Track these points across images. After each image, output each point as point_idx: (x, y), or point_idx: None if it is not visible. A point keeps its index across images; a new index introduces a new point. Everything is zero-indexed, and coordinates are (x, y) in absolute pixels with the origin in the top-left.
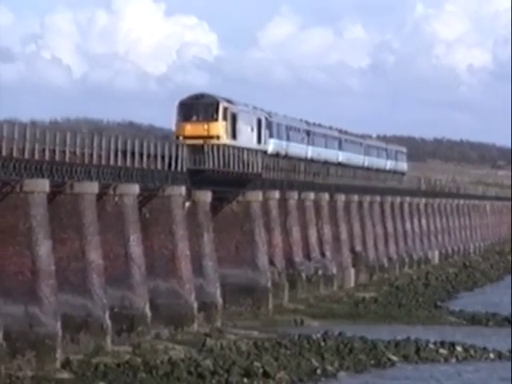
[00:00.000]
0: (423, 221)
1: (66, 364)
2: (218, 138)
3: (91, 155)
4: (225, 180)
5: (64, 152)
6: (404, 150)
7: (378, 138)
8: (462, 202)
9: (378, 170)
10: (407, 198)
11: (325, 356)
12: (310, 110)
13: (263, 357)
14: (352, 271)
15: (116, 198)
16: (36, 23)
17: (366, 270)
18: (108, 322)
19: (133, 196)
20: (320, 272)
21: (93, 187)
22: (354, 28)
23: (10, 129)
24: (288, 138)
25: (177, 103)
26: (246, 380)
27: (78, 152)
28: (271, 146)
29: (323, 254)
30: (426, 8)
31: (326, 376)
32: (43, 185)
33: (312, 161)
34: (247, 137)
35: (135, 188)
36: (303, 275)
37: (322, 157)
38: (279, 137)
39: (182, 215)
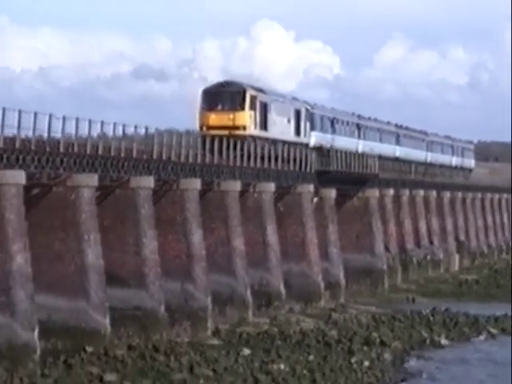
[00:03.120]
0: None
1: (216, 332)
2: (244, 128)
3: (235, 158)
4: (347, 179)
5: (213, 155)
6: (471, 146)
7: (479, 143)
8: None
9: (442, 166)
10: (504, 195)
11: (433, 328)
12: (415, 120)
13: (380, 328)
14: (456, 257)
15: (255, 195)
16: (189, 49)
17: (469, 255)
18: (249, 297)
19: (269, 193)
20: (429, 257)
21: (236, 185)
22: (455, 50)
23: (169, 137)
24: (334, 131)
25: (200, 91)
26: (365, 348)
27: (224, 156)
28: (313, 138)
29: (431, 242)
30: None
31: (433, 345)
32: (196, 183)
33: (363, 155)
34: (282, 128)
35: (271, 186)
36: (414, 260)
37: (375, 151)
38: (323, 129)
39: (311, 209)
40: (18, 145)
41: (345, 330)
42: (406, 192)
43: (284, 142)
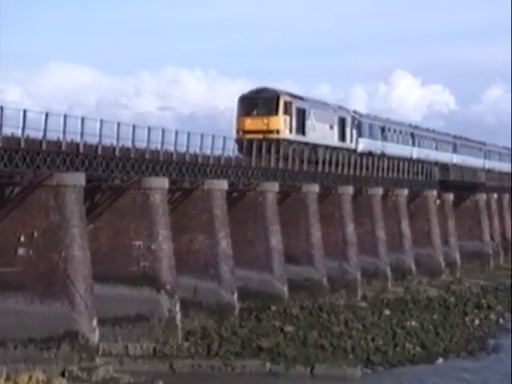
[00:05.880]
0: None
1: (364, 298)
2: (277, 132)
3: (382, 170)
4: (462, 186)
5: (361, 169)
6: None
7: None
8: None
9: (500, 173)
10: None
11: None
12: (507, 140)
13: (487, 296)
14: None
15: (393, 198)
16: (342, 92)
17: None
18: (389, 273)
19: (404, 196)
20: None
21: (379, 191)
22: None
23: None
24: (385, 139)
25: (238, 97)
26: (476, 310)
27: (370, 168)
28: (361, 144)
29: None
30: None
31: None
32: (349, 189)
33: (419, 161)
34: (323, 134)
35: (405, 191)
36: None
37: (430, 158)
38: (372, 136)
39: (435, 208)
40: (223, 161)
41: (460, 297)
42: (507, 196)
43: (326, 147)
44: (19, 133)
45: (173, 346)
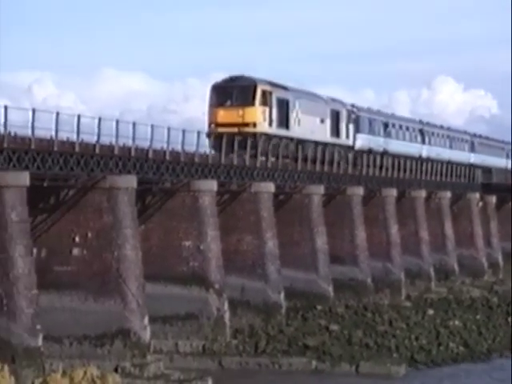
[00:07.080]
0: None
1: (408, 297)
2: (254, 125)
3: (421, 173)
4: (504, 189)
5: (399, 171)
6: None
7: None
8: None
9: None
10: None
11: None
12: None
13: None
14: None
15: (436, 200)
16: (386, 97)
17: None
18: (432, 273)
19: (447, 198)
20: None
21: (422, 193)
22: None
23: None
24: (388, 135)
25: (210, 86)
26: None
27: (414, 172)
28: (359, 141)
29: None
30: None
31: None
32: (393, 192)
33: (429, 160)
34: (311, 128)
35: (448, 194)
36: None
37: (443, 157)
38: (372, 132)
39: (477, 210)
40: (269, 164)
41: (503, 298)
42: None
43: (316, 143)
44: (74, 137)
45: (221, 344)
